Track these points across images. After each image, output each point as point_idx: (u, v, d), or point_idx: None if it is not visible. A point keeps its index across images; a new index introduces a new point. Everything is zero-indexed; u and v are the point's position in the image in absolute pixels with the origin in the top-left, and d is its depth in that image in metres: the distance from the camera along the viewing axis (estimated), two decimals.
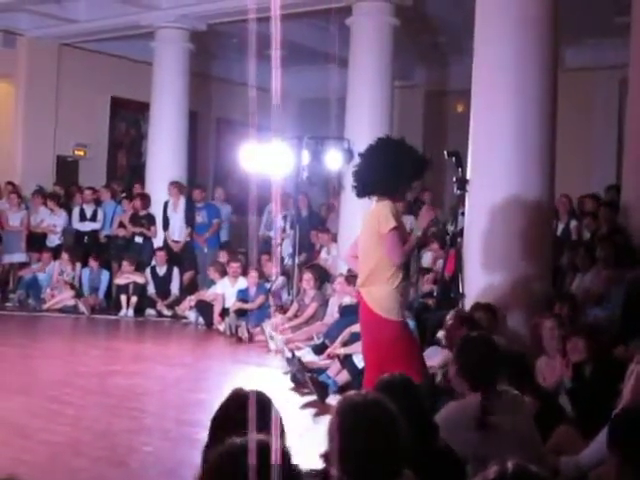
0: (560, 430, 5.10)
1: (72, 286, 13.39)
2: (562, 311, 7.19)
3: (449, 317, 6.74)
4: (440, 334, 7.61)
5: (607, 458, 3.04)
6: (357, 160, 6.30)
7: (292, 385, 8.15)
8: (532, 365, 6.37)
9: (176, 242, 13.99)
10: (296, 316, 11.21)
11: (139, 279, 13.26)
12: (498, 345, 4.34)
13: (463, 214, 8.27)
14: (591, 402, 5.28)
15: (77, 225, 14.49)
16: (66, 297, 13.22)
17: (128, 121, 17.42)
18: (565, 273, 9.48)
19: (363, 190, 6.04)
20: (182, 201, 14.07)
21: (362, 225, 6.03)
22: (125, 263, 13.39)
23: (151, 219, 14.13)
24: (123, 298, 13.14)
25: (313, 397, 7.67)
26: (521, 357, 6.05)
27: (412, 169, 5.99)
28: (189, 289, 13.64)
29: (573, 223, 10.99)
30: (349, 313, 8.97)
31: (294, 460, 2.23)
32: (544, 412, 5.08)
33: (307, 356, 9.30)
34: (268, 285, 12.12)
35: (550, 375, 6.26)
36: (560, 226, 10.94)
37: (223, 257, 13.06)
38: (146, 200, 14.15)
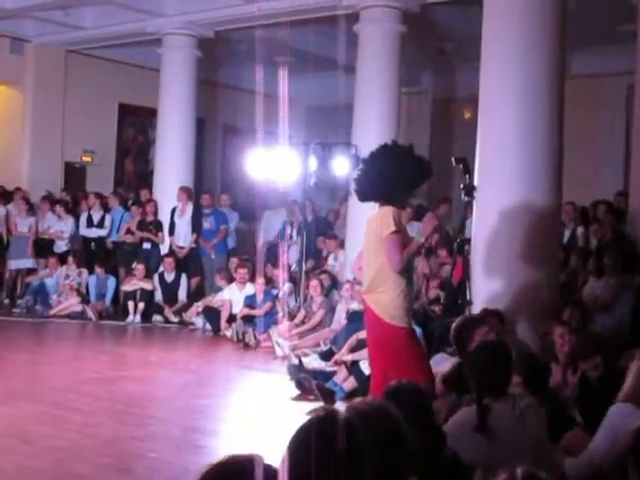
0: (570, 434, 5.06)
1: (79, 292, 13.40)
2: (572, 317, 7.17)
3: (455, 324, 6.72)
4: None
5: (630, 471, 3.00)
6: (360, 166, 6.30)
7: (298, 392, 8.11)
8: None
9: (181, 248, 13.99)
10: (303, 323, 11.20)
11: (146, 285, 13.26)
12: (510, 352, 4.31)
13: (471, 221, 8.25)
14: (598, 411, 5.24)
15: (84, 231, 14.50)
16: (73, 303, 13.23)
17: (135, 127, 17.46)
18: (573, 280, 9.44)
19: (365, 196, 6.05)
20: (190, 207, 14.07)
21: (365, 230, 6.01)
22: (140, 267, 13.38)
23: (159, 225, 14.14)
24: (130, 304, 13.14)
25: (319, 403, 7.64)
26: (542, 367, 5.98)
27: (413, 176, 5.97)
28: (196, 295, 13.64)
29: (580, 230, 10.96)
30: (356, 319, 8.95)
31: None
32: (555, 419, 5.05)
33: (314, 362, 9.28)
34: (275, 291, 12.11)
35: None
36: (566, 233, 10.91)
37: (233, 264, 13.04)
38: (154, 206, 14.17)
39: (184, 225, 14.03)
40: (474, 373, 4.21)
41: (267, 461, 2.29)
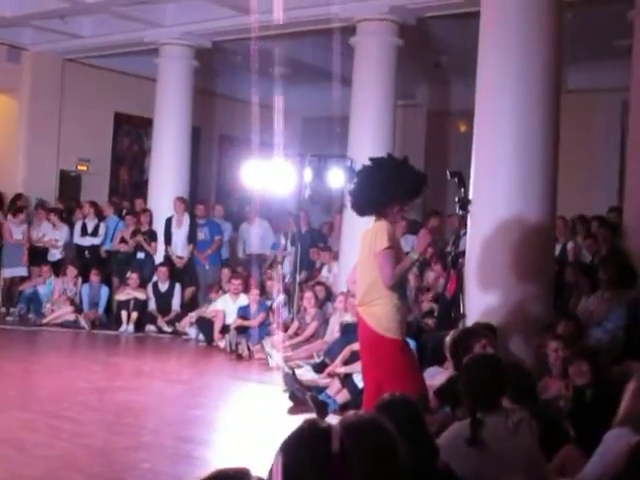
0: (564, 450, 5.06)
1: (72, 301, 13.37)
2: (566, 331, 7.18)
3: (451, 336, 6.73)
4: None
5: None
6: (354, 180, 6.31)
7: (291, 403, 8.11)
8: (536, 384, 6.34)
9: (180, 258, 14.00)
10: (296, 334, 11.20)
11: (140, 295, 13.25)
12: (503, 365, 4.32)
13: (465, 234, 8.26)
14: (592, 425, 5.25)
15: (78, 240, 14.47)
16: (66, 312, 13.20)
17: (131, 137, 17.47)
18: (568, 294, 9.45)
19: (361, 210, 6.06)
20: (186, 217, 14.08)
21: (360, 244, 6.02)
22: (134, 276, 13.38)
23: (153, 235, 14.14)
24: (124, 314, 13.11)
25: (313, 415, 7.63)
26: (527, 376, 5.99)
27: (403, 189, 5.95)
28: (190, 305, 13.63)
29: (570, 244, 10.99)
30: (350, 332, 8.95)
31: None
32: (548, 433, 5.05)
33: (307, 374, 9.28)
34: (269, 302, 12.11)
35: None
36: (557, 247, 10.93)
37: (226, 275, 13.04)
38: (150, 216, 14.17)
39: (182, 235, 14.03)
40: (467, 387, 4.21)
41: (261, 470, 2.30)
